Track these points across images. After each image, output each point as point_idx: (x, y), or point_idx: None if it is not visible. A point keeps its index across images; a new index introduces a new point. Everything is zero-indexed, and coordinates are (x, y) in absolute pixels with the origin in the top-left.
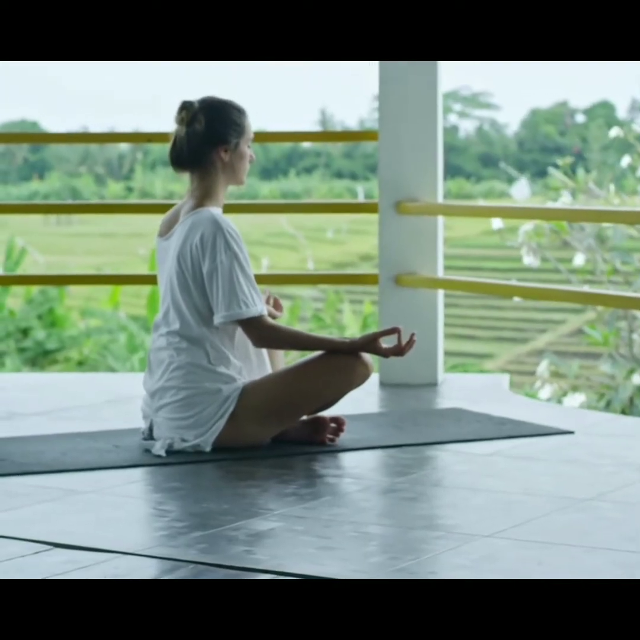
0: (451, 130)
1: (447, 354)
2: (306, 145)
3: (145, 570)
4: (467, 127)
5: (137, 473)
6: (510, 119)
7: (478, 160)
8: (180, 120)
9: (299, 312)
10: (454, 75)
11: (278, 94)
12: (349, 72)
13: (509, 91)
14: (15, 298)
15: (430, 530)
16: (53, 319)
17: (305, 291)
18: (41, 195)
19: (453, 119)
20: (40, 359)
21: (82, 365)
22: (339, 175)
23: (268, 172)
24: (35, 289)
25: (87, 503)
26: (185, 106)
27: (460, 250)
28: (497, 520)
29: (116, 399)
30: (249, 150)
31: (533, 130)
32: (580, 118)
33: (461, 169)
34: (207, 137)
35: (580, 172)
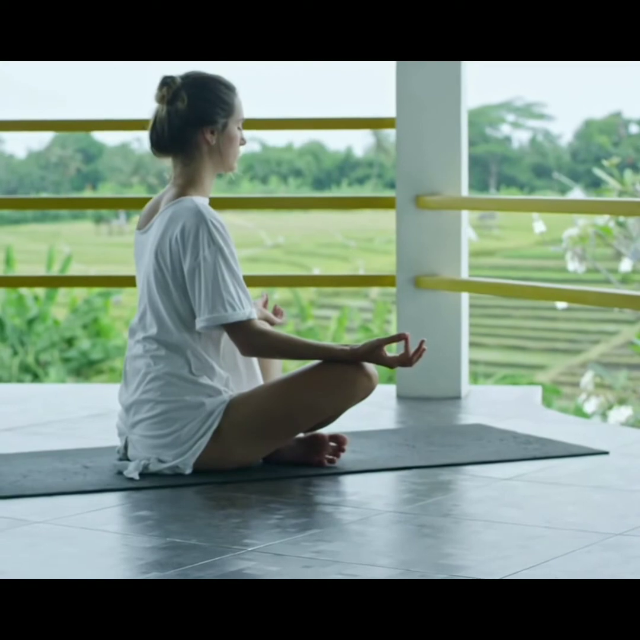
0: (504, 141)
1: (499, 365)
2: (358, 155)
3: None
4: (520, 138)
5: (104, 499)
6: (564, 129)
7: (531, 171)
8: (160, 98)
9: (347, 323)
10: (508, 85)
11: (328, 101)
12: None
13: (562, 101)
14: (61, 307)
15: (430, 571)
16: (98, 329)
17: (353, 302)
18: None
19: (506, 129)
20: (85, 369)
21: None
22: (392, 185)
23: (320, 183)
24: (80, 299)
25: (35, 536)
26: (166, 82)
27: (512, 261)
28: (510, 559)
29: (100, 412)
30: (240, 132)
31: (587, 141)
32: (634, 128)
33: (514, 180)
34: (190, 117)
35: (628, 174)
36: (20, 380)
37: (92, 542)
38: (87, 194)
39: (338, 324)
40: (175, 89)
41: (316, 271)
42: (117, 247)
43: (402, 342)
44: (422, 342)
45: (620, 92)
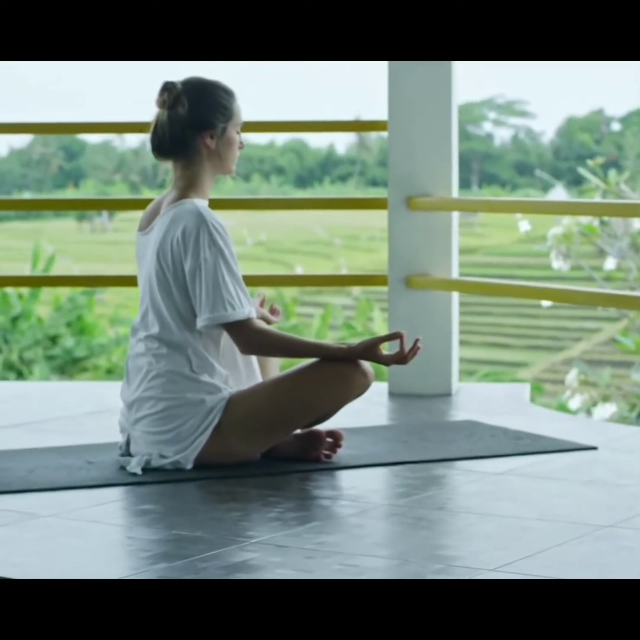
0: (486, 139)
1: (481, 362)
2: (341, 153)
3: None
4: (502, 135)
5: (108, 493)
6: (546, 127)
7: (513, 168)
8: (161, 103)
9: (330, 320)
10: (489, 83)
11: (313, 100)
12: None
13: (544, 99)
14: (44, 305)
15: (428, 562)
16: (82, 327)
17: (336, 299)
18: None
19: (488, 127)
20: (68, 366)
21: (111, 373)
22: (374, 183)
23: (303, 180)
24: (64, 297)
25: (45, 529)
26: (167, 87)
27: (494, 259)
28: (505, 550)
29: (101, 409)
30: (239, 136)
31: (568, 138)
32: (615, 126)
33: (496, 177)
34: (190, 122)
35: (612, 173)
36: (4, 378)
37: (100, 535)
38: (69, 193)
39: (321, 322)
40: (176, 94)
41: (299, 269)
42: (99, 244)
43: (397, 341)
44: (417, 341)
45: (601, 89)
